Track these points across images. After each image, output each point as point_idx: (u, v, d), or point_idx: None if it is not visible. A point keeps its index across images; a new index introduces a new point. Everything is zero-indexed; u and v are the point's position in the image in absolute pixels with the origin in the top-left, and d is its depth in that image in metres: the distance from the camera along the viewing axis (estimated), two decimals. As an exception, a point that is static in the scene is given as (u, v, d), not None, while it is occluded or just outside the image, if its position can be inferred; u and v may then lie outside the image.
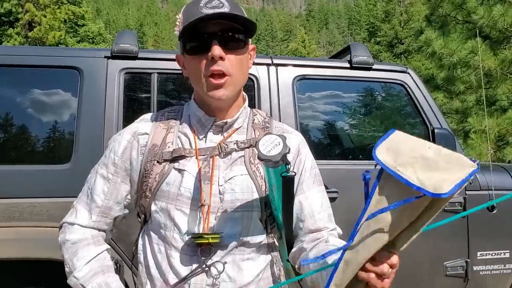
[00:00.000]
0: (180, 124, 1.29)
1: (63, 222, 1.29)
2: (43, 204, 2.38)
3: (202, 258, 1.16)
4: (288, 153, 1.04)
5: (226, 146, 1.23)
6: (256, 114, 1.36)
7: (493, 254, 2.86)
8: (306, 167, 1.31)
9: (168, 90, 2.76)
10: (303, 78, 2.80)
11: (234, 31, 1.19)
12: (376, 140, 3.20)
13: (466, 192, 2.82)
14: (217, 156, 1.23)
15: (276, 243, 1.29)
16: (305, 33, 64.45)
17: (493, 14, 7.77)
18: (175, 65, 2.63)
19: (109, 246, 1.29)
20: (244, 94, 1.35)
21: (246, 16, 1.20)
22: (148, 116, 1.35)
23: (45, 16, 23.52)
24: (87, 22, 28.89)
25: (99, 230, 1.27)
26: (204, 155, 1.22)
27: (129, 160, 1.26)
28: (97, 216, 1.26)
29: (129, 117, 2.59)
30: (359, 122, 3.24)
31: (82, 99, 2.51)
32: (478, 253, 2.84)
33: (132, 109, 2.64)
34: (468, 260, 2.81)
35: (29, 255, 2.31)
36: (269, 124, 1.34)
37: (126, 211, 1.31)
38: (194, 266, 1.16)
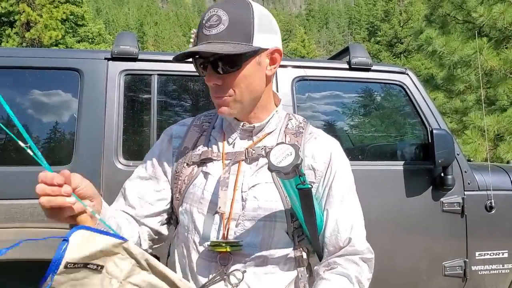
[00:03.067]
0: (213, 128, 1.30)
1: None
2: None
3: (222, 266, 1.13)
4: (300, 164, 0.98)
5: (253, 151, 1.20)
6: (292, 119, 1.30)
7: (492, 254, 2.87)
8: (338, 179, 1.23)
9: (168, 92, 2.77)
10: (302, 79, 2.82)
11: (229, 55, 1.10)
12: (375, 140, 3.18)
13: (465, 192, 2.84)
14: (244, 162, 1.20)
15: (305, 257, 1.21)
16: (305, 33, 64.42)
17: (493, 13, 7.77)
18: (175, 67, 2.67)
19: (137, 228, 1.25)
20: (279, 96, 1.31)
21: (253, 23, 1.12)
22: (186, 120, 1.37)
23: (41, 16, 23.48)
24: (87, 22, 28.87)
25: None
26: (230, 160, 1.20)
27: (165, 162, 1.28)
28: (130, 210, 1.25)
29: (129, 118, 2.60)
30: (358, 122, 3.25)
31: (82, 100, 2.52)
32: (477, 253, 2.86)
33: (133, 111, 2.66)
34: (467, 260, 2.83)
35: (29, 256, 2.32)
36: (303, 129, 1.27)
37: (160, 218, 1.29)
38: (212, 272, 1.14)
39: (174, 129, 1.33)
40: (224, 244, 1.11)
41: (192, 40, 1.18)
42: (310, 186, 1.04)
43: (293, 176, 0.99)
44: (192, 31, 1.18)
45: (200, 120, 1.32)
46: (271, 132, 1.26)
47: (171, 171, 1.26)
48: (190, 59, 1.19)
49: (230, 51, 1.08)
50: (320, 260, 1.22)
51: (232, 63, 1.12)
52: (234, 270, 1.14)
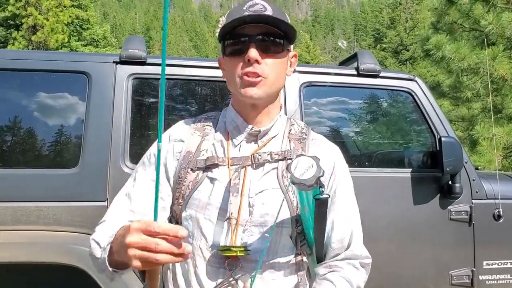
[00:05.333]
0: (215, 132, 1.28)
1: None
2: (50, 208, 2.39)
3: (230, 271, 1.13)
4: (322, 176, 1.00)
5: (259, 157, 1.21)
6: (294, 124, 1.32)
7: (500, 264, 2.84)
8: (342, 185, 1.27)
9: (176, 96, 2.77)
10: (310, 84, 2.81)
11: (273, 35, 1.18)
12: (382, 147, 3.18)
13: (473, 201, 2.81)
14: (250, 167, 1.21)
15: (305, 260, 1.25)
16: (310, 39, 64.50)
17: (502, 21, 7.75)
18: (183, 71, 2.68)
19: None
20: (280, 102, 1.34)
21: (289, 22, 1.20)
22: (184, 122, 1.34)
23: (47, 20, 23.61)
24: (93, 26, 29.00)
25: None
26: (236, 165, 1.20)
27: (167, 167, 1.25)
28: (133, 217, 1.21)
29: (136, 122, 2.60)
30: (366, 129, 3.24)
31: (90, 104, 2.52)
32: (484, 263, 2.83)
33: (140, 115, 2.66)
34: (474, 269, 2.80)
35: (35, 259, 2.32)
36: (306, 135, 1.30)
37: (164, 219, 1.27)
38: (220, 278, 1.14)
39: (174, 132, 1.31)
40: (234, 249, 1.11)
41: (220, 26, 1.21)
42: (328, 196, 1.05)
43: (314, 187, 1.00)
44: (221, 19, 1.22)
45: (201, 123, 1.31)
46: (274, 137, 1.27)
47: (173, 175, 1.24)
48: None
49: (291, 26, 1.17)
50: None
51: (277, 45, 1.20)
52: (242, 275, 1.14)
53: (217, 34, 1.22)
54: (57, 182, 2.44)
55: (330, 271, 1.19)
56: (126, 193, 1.26)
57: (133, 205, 1.22)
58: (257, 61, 1.16)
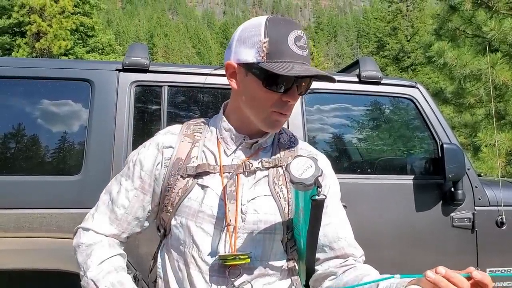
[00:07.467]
0: (205, 138, 1.26)
1: (78, 227, 1.28)
2: (53, 215, 2.39)
3: (231, 279, 1.13)
4: (321, 175, 1.01)
5: (250, 164, 1.20)
6: (282, 133, 1.32)
7: (503, 271, 2.83)
8: (332, 191, 1.28)
9: (178, 103, 2.78)
10: (311, 91, 2.81)
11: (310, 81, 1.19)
12: (384, 154, 3.16)
13: (475, 207, 2.81)
14: (241, 175, 1.20)
15: (296, 266, 1.25)
16: (314, 46, 64.68)
17: (504, 27, 7.76)
18: (185, 79, 2.69)
19: (123, 252, 1.27)
20: None
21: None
22: (173, 128, 1.30)
23: (51, 26, 23.72)
24: (97, 33, 29.15)
25: (114, 238, 1.27)
26: (228, 173, 1.19)
27: (154, 174, 1.23)
28: (115, 228, 1.25)
29: (139, 129, 2.61)
30: (368, 136, 3.24)
31: (93, 111, 2.54)
32: (487, 270, 2.81)
33: (143, 122, 2.67)
34: (477, 277, 2.78)
35: (38, 266, 2.32)
36: (294, 144, 1.31)
37: (146, 225, 1.29)
38: (215, 286, 1.13)
39: (163, 138, 1.27)
40: (242, 257, 1.11)
41: (265, 50, 1.11)
42: (325, 197, 1.05)
43: (312, 187, 1.01)
44: (264, 40, 1.12)
45: (191, 130, 1.27)
46: (265, 146, 1.27)
47: (162, 182, 1.22)
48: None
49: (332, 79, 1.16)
50: (308, 270, 1.21)
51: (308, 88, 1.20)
52: (243, 282, 1.14)
53: (256, 56, 1.12)
54: (60, 189, 2.44)
55: (351, 267, 1.18)
56: (111, 198, 1.27)
57: (116, 213, 1.24)
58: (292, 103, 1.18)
